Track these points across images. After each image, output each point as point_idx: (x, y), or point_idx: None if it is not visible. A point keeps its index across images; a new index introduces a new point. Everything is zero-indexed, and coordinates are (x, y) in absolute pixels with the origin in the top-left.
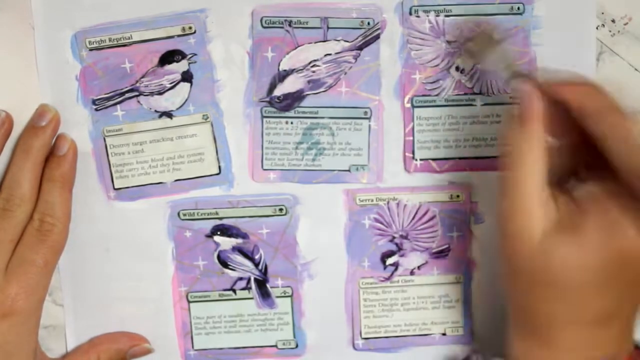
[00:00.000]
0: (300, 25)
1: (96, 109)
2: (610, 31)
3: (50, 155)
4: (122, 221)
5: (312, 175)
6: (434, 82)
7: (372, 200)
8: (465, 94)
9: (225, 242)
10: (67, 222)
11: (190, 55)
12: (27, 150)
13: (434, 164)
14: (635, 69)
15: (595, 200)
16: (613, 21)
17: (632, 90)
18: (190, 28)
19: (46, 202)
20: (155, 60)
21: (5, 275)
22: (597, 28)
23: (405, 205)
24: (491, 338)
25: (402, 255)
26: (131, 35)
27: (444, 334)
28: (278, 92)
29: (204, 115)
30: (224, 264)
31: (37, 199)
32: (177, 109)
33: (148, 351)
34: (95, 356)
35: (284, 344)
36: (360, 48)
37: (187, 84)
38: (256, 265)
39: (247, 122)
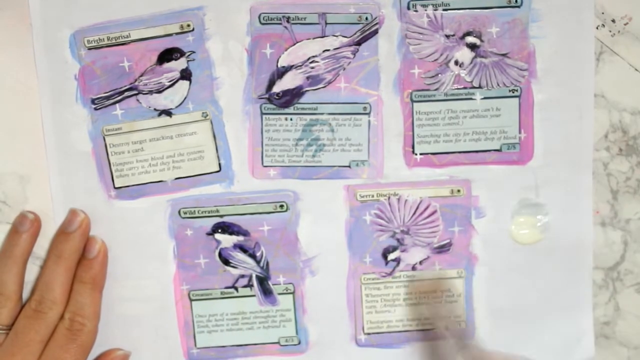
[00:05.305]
0: (298, 22)
1: (95, 108)
2: (610, 31)
3: (82, 257)
4: (123, 220)
5: (312, 172)
6: (433, 76)
7: (373, 196)
8: (465, 88)
9: (227, 240)
10: (96, 321)
11: (188, 53)
12: (59, 255)
13: (434, 158)
14: (635, 69)
15: None
16: (613, 21)
17: (632, 90)
18: (188, 26)
19: (77, 302)
20: (154, 58)
21: None
22: (597, 28)
23: (406, 201)
24: (493, 332)
25: (403, 251)
26: (129, 34)
27: (446, 329)
28: (277, 88)
29: (203, 113)
30: (226, 261)
31: (68, 299)
32: (176, 107)
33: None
34: None
35: (286, 340)
36: (359, 43)
37: (186, 82)
38: (257, 262)
39: (246, 119)
